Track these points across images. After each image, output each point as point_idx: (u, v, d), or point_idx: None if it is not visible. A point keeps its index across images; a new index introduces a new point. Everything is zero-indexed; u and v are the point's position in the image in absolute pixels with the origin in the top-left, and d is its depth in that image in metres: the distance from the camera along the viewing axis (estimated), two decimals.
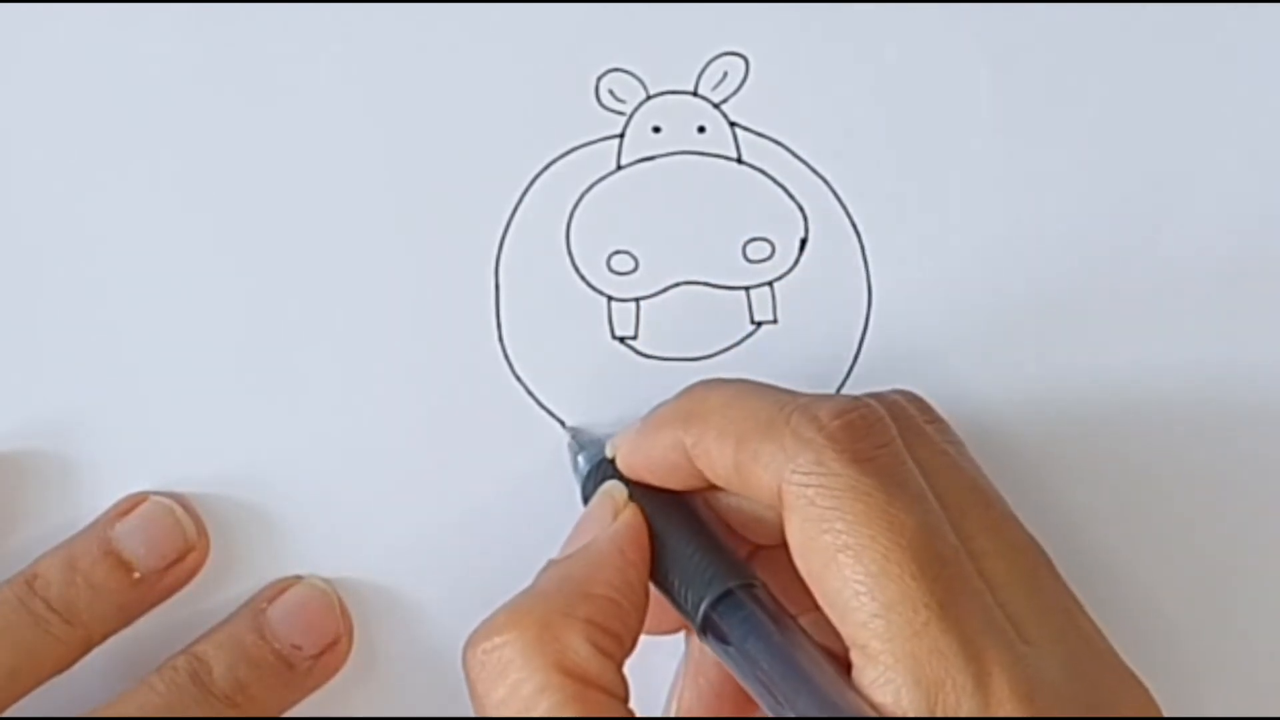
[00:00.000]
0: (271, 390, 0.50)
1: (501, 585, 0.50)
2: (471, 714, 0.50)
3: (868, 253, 0.50)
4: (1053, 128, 0.50)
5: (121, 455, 0.50)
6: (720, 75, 0.50)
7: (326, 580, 0.50)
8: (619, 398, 0.50)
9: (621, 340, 0.50)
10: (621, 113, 0.50)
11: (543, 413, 0.50)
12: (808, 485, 0.43)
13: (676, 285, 0.50)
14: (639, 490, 0.47)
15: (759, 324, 0.50)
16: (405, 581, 0.50)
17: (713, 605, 0.44)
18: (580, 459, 0.49)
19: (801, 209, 0.50)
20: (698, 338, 0.50)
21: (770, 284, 0.50)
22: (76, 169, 0.49)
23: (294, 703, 0.49)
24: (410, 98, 0.49)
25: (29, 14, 0.49)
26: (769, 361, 0.50)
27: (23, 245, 0.49)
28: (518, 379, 0.50)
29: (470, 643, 0.44)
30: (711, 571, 0.45)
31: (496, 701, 0.43)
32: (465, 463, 0.50)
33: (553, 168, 0.50)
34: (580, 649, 0.43)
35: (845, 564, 0.42)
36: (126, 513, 0.49)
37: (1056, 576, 0.45)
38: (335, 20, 0.49)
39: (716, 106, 0.50)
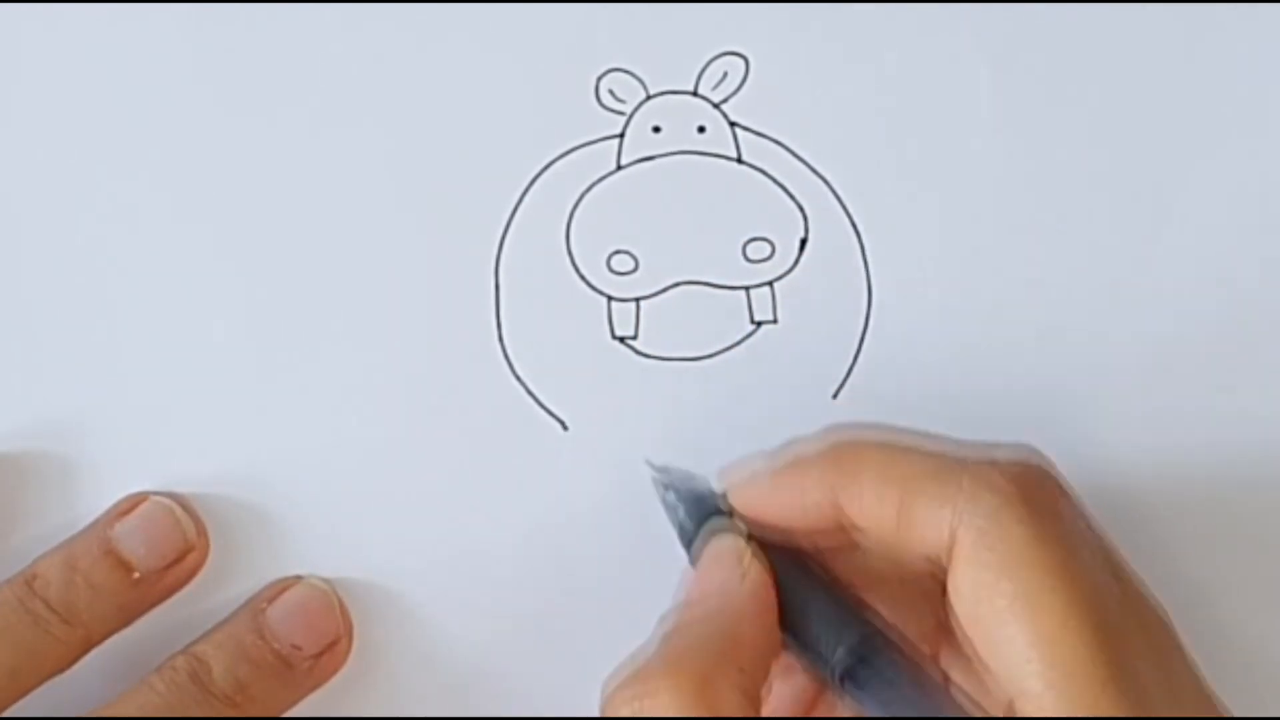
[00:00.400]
0: (272, 390, 0.50)
1: (501, 585, 0.50)
2: (469, 715, 0.51)
3: (868, 253, 0.50)
4: (1053, 128, 0.50)
5: (121, 455, 0.50)
6: (720, 75, 0.50)
7: (326, 580, 0.50)
8: (619, 397, 0.50)
9: (621, 340, 0.50)
10: (621, 113, 0.50)
11: (543, 413, 0.50)
12: (987, 531, 0.42)
13: (676, 285, 0.50)
14: (756, 535, 0.46)
15: (759, 324, 0.50)
16: (405, 581, 0.50)
17: (852, 657, 0.44)
18: (671, 496, 0.48)
19: (801, 209, 0.50)
20: (698, 338, 0.50)
21: (770, 284, 0.50)
22: (77, 169, 0.49)
23: (294, 703, 0.49)
24: (410, 98, 0.49)
25: (29, 14, 0.49)
26: (769, 361, 0.50)
27: (23, 245, 0.50)
28: (518, 379, 0.50)
29: (621, 688, 0.43)
30: (842, 623, 0.45)
31: None
32: (465, 462, 0.50)
33: (553, 168, 0.50)
34: (734, 699, 0.43)
35: (1022, 614, 0.42)
36: (126, 512, 0.49)
37: (1185, 657, 0.45)
38: (336, 21, 0.49)
39: (716, 106, 0.50)
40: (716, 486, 0.47)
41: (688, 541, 0.47)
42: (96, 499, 0.50)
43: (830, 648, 0.44)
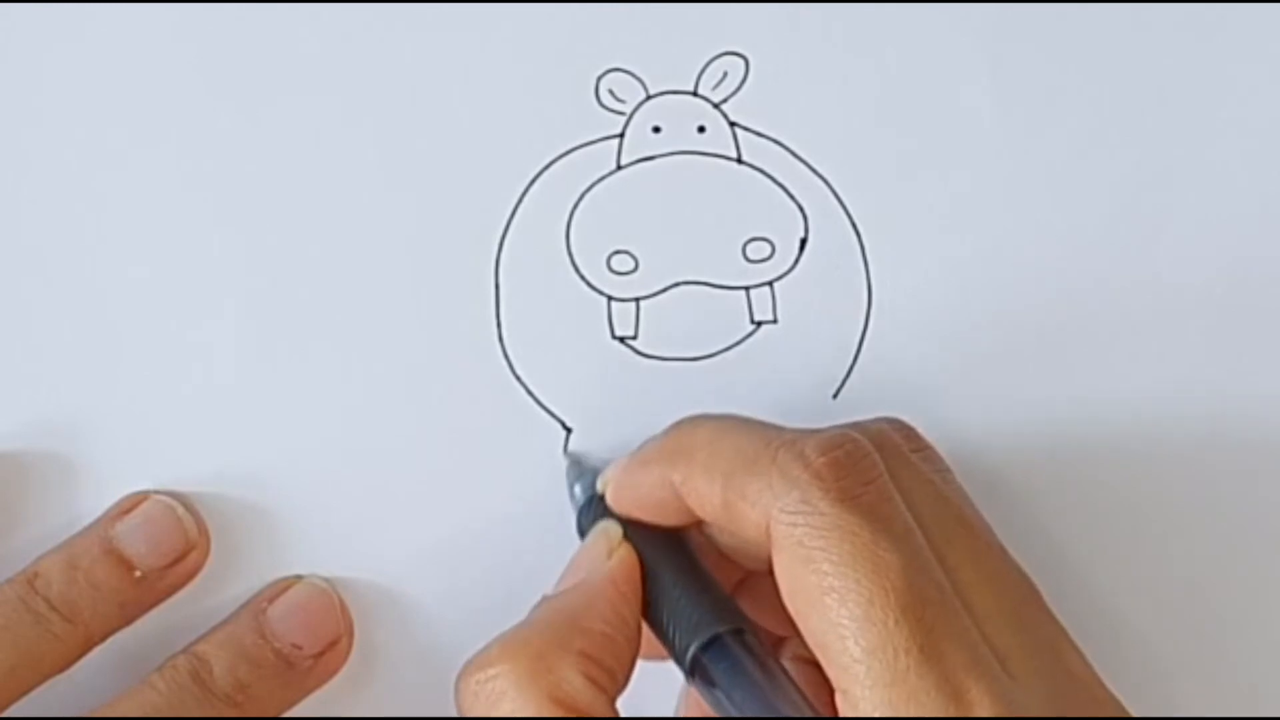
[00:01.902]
0: (272, 390, 0.50)
1: (501, 585, 0.50)
2: None
3: (868, 253, 0.50)
4: (1053, 128, 0.50)
5: (121, 455, 0.50)
6: (720, 75, 0.50)
7: (327, 580, 0.50)
8: (619, 398, 0.50)
9: (621, 340, 0.50)
10: (621, 113, 0.50)
11: (543, 413, 0.50)
12: (795, 524, 0.42)
13: (676, 285, 0.50)
14: (632, 527, 0.47)
15: (759, 324, 0.50)
16: (405, 581, 0.50)
17: (701, 650, 0.44)
18: (577, 489, 0.49)
19: (801, 209, 0.50)
20: (698, 337, 0.50)
21: (770, 284, 0.50)
22: (77, 169, 0.49)
23: (294, 702, 0.49)
24: (410, 98, 0.49)
25: (28, 14, 0.49)
26: (769, 361, 0.50)
27: (23, 245, 0.49)
28: (518, 379, 0.50)
29: (463, 673, 0.44)
30: (699, 615, 0.45)
31: None
32: (465, 462, 0.50)
33: (553, 168, 0.50)
34: (574, 680, 0.43)
35: (830, 606, 0.42)
36: (127, 512, 0.49)
37: (1043, 608, 0.45)
38: (336, 21, 0.49)
39: (716, 106, 0.50)
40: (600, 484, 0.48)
41: (579, 525, 0.49)
42: (97, 498, 0.50)
43: (685, 640, 0.45)
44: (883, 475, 0.44)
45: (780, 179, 0.50)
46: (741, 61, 0.50)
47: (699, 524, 0.47)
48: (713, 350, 0.50)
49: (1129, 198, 0.50)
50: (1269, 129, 0.50)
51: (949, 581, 0.43)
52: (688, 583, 0.46)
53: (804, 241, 0.50)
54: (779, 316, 0.50)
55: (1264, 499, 0.51)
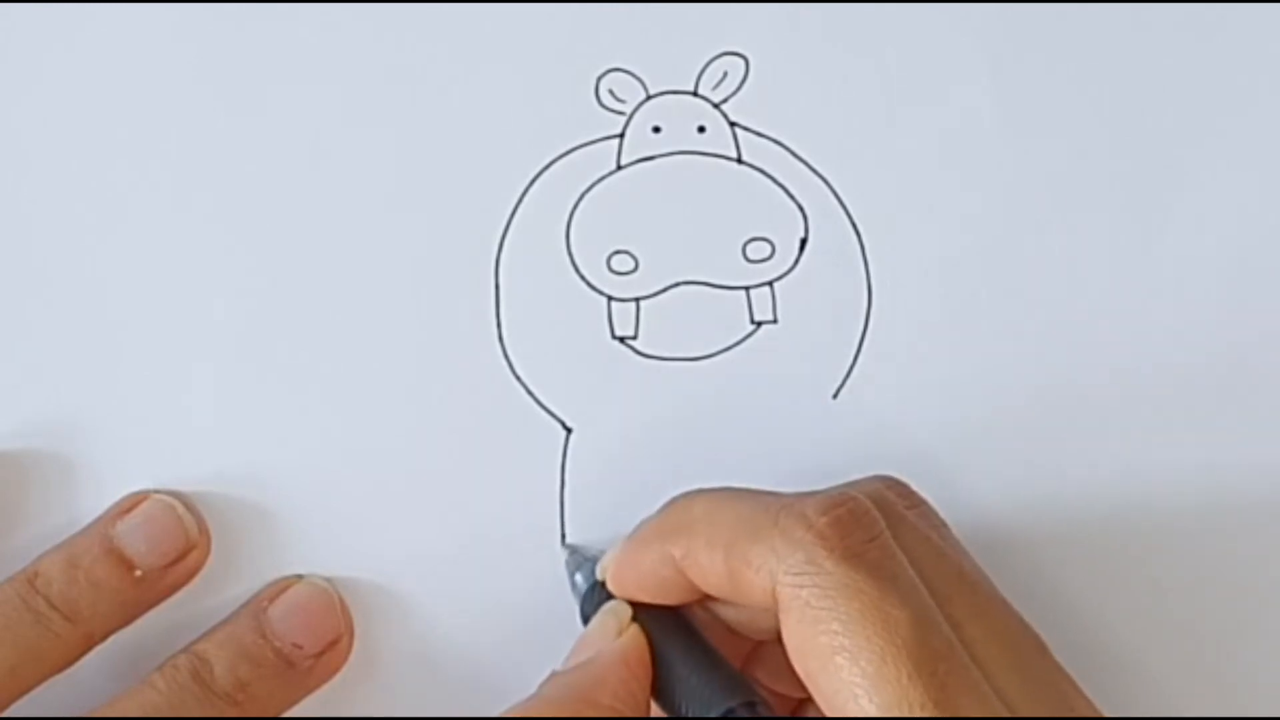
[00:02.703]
0: (272, 390, 0.50)
1: (501, 585, 0.50)
2: (471, 714, 0.51)
3: (868, 253, 0.50)
4: (1053, 128, 0.50)
5: (122, 455, 0.50)
6: (720, 75, 0.50)
7: (327, 580, 0.50)
8: (619, 398, 0.50)
9: (621, 340, 0.50)
10: (621, 113, 0.50)
11: (543, 413, 0.50)
12: (801, 585, 0.42)
13: (676, 285, 0.50)
14: (639, 611, 0.47)
15: (759, 324, 0.50)
16: (405, 581, 0.50)
17: None
18: (578, 577, 0.49)
19: (801, 209, 0.50)
20: (698, 337, 0.50)
21: (770, 284, 0.50)
22: (77, 169, 0.49)
23: (295, 702, 0.49)
24: (410, 98, 0.49)
25: (28, 14, 0.49)
26: (769, 361, 0.50)
27: (23, 245, 0.49)
28: (518, 379, 0.50)
29: None
30: (711, 691, 0.45)
31: None
32: (465, 462, 0.50)
33: (553, 168, 0.50)
34: None
35: (842, 665, 0.42)
36: (128, 511, 0.49)
37: (1048, 657, 0.45)
38: (336, 21, 0.49)
39: (716, 106, 0.50)
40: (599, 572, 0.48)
41: (582, 611, 0.49)
42: (97, 498, 0.50)
43: (689, 711, 0.45)
44: (885, 532, 0.44)
45: (780, 179, 0.50)
46: (741, 61, 0.50)
47: (702, 600, 0.47)
48: (713, 350, 0.50)
49: (1128, 197, 0.50)
50: (1269, 129, 0.50)
51: (955, 636, 0.43)
52: (697, 659, 0.46)
53: (804, 241, 0.50)
54: (779, 316, 0.50)
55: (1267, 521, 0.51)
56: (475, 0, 0.49)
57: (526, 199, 0.50)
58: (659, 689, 0.46)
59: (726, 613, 0.47)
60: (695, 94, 0.50)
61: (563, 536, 0.50)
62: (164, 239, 0.50)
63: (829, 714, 0.42)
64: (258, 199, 0.50)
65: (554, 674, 0.46)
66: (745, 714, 0.44)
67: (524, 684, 0.50)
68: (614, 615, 0.47)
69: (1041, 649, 0.45)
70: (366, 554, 0.50)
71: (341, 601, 0.50)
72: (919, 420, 0.50)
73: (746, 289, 0.50)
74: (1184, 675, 0.50)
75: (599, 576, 0.48)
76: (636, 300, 0.50)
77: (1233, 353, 0.51)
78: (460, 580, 0.50)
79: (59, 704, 0.49)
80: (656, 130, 0.50)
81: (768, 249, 0.50)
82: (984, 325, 0.50)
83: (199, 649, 0.49)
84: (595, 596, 0.48)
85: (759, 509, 0.44)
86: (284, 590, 0.50)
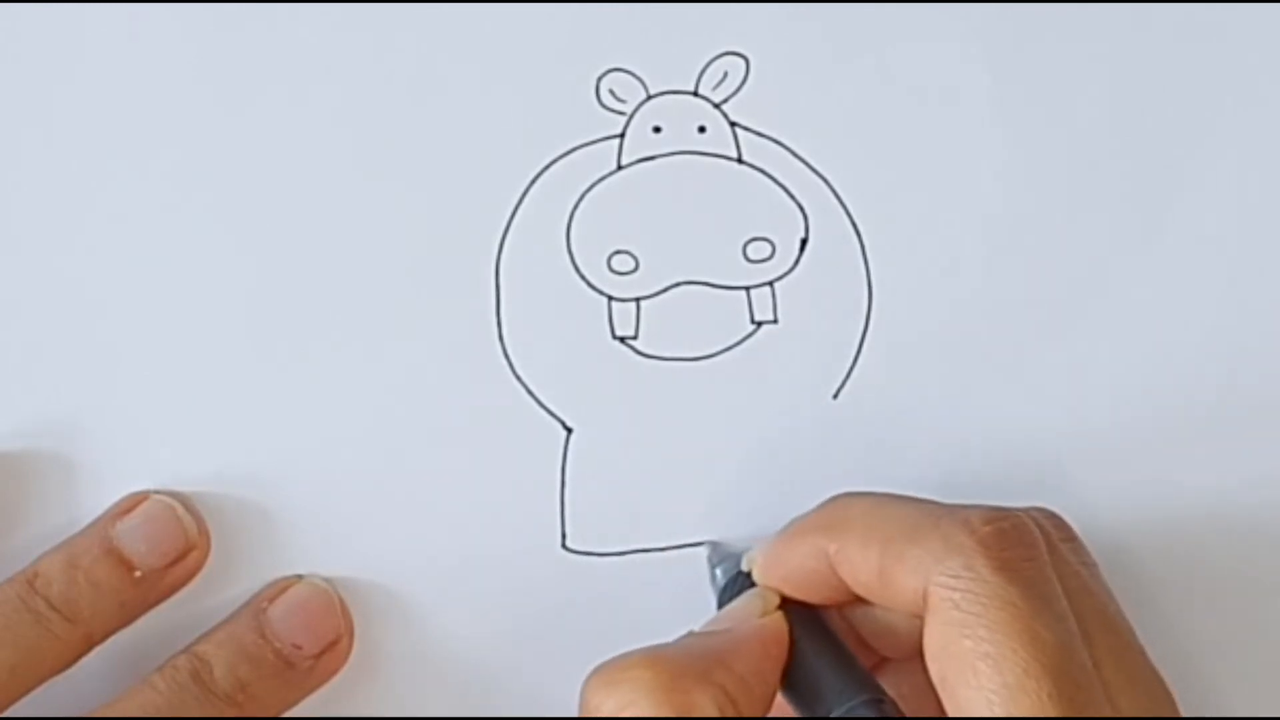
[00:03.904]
0: (272, 390, 0.50)
1: (501, 585, 0.50)
2: (470, 714, 0.51)
3: (868, 253, 0.50)
4: (1053, 128, 0.50)
5: (121, 455, 0.50)
6: (720, 75, 0.50)
7: (327, 580, 0.50)
8: (619, 397, 0.50)
9: (622, 340, 0.50)
10: (622, 113, 0.50)
11: (543, 413, 0.50)
12: (954, 589, 0.43)
13: (677, 285, 0.50)
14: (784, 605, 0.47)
15: (759, 324, 0.50)
16: (405, 581, 0.50)
17: (841, 717, 0.44)
18: (718, 572, 0.49)
19: (802, 209, 0.50)
20: (698, 337, 0.50)
21: (771, 284, 0.50)
22: (77, 169, 0.49)
23: (295, 702, 0.49)
24: (410, 98, 0.49)
25: (28, 14, 0.49)
26: (769, 361, 0.50)
27: (23, 245, 0.49)
28: (518, 379, 0.50)
29: (598, 671, 0.44)
30: (842, 683, 0.45)
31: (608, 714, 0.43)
32: (465, 462, 0.50)
33: (553, 168, 0.50)
34: (707, 709, 0.43)
35: (983, 672, 0.42)
36: (128, 511, 0.49)
37: (1176, 710, 0.45)
38: (336, 20, 0.49)
39: (717, 106, 0.50)
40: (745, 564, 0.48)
41: (719, 603, 0.49)
42: (97, 498, 0.50)
43: (828, 706, 0.45)
44: (1044, 553, 0.44)
45: (780, 179, 0.50)
46: (742, 61, 0.50)
47: (839, 607, 0.47)
48: (713, 350, 0.50)
49: (1129, 197, 0.50)
50: (1269, 129, 0.50)
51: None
52: (832, 653, 0.46)
53: (804, 241, 0.50)
54: (779, 316, 0.50)
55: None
56: (475, 0, 0.49)
57: (527, 199, 0.50)
58: (789, 679, 0.46)
59: (861, 620, 0.47)
60: (696, 94, 0.50)
61: (563, 536, 0.50)
62: (164, 239, 0.49)
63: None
64: (257, 199, 0.50)
65: (692, 632, 0.46)
66: (873, 711, 0.44)
67: (524, 684, 0.51)
68: (760, 598, 0.47)
69: (1173, 707, 0.45)
70: (366, 554, 0.50)
71: (341, 601, 0.50)
72: (919, 420, 0.50)
73: (747, 289, 0.50)
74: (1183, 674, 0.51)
75: (745, 567, 0.48)
76: (637, 300, 0.50)
77: (1233, 355, 0.51)
78: (460, 580, 0.50)
79: (59, 704, 0.49)
80: (657, 130, 0.50)
81: (768, 249, 0.50)
82: (984, 325, 0.50)
83: (199, 649, 0.49)
84: (735, 589, 0.48)
85: (920, 512, 0.44)
86: (284, 590, 0.50)
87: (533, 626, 0.51)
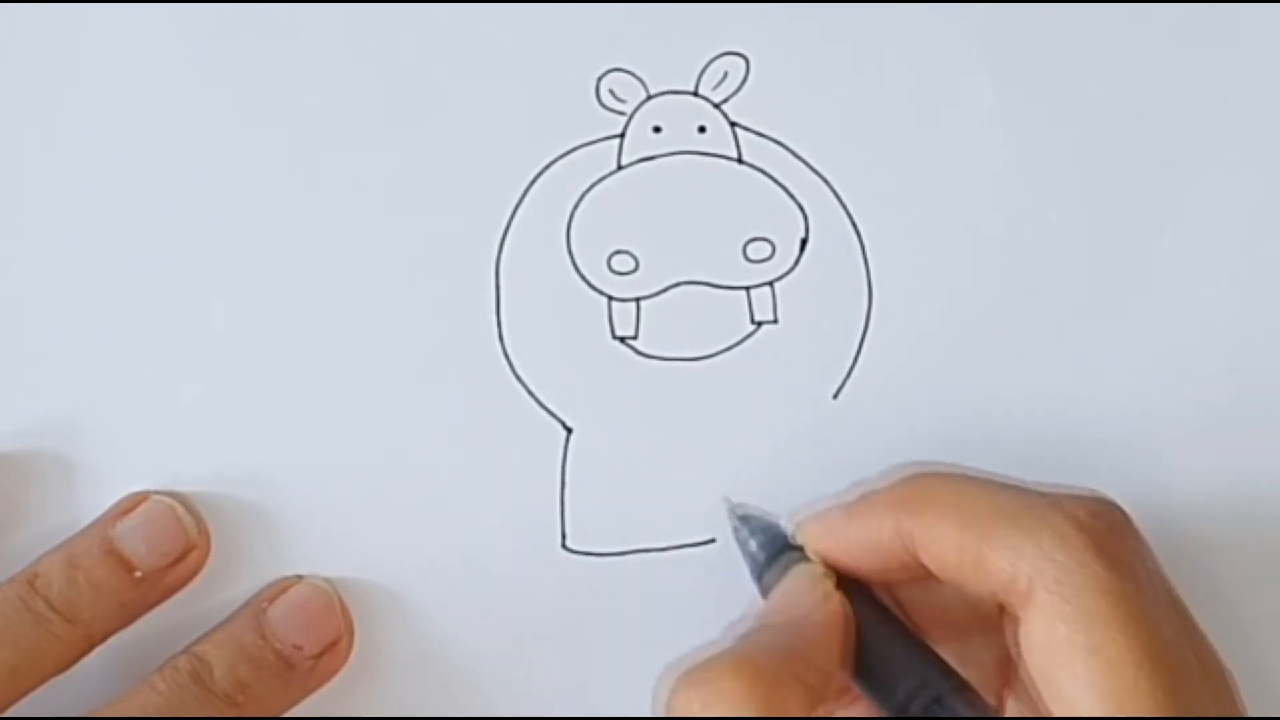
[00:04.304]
0: (272, 390, 0.50)
1: (501, 584, 0.50)
2: (470, 714, 0.51)
3: (868, 253, 0.50)
4: (1053, 127, 0.50)
5: (121, 455, 0.50)
6: (721, 75, 0.50)
7: (327, 580, 0.50)
8: (619, 397, 0.50)
9: (622, 340, 0.50)
10: (622, 113, 0.50)
11: (543, 413, 0.50)
12: (1062, 580, 0.42)
13: (677, 285, 0.50)
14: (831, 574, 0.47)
15: (759, 324, 0.50)
16: (405, 581, 0.50)
17: (927, 705, 0.44)
18: (753, 544, 0.48)
19: (802, 209, 0.50)
20: (698, 337, 0.50)
21: (771, 284, 0.50)
22: (77, 169, 0.49)
23: (295, 702, 0.49)
24: (411, 98, 0.49)
25: (28, 14, 0.49)
26: (769, 361, 0.50)
27: (23, 245, 0.49)
28: (518, 379, 0.50)
29: (687, 679, 0.43)
30: (919, 667, 0.45)
31: None
32: (466, 462, 0.50)
33: (553, 168, 0.50)
34: (796, 709, 0.42)
35: (1095, 667, 0.42)
36: (128, 511, 0.49)
37: (1241, 705, 0.45)
38: (335, 20, 0.49)
39: (717, 106, 0.50)
40: (787, 526, 0.47)
41: (759, 574, 0.48)
42: (97, 499, 0.50)
43: (899, 689, 0.44)
44: (1145, 548, 0.44)
45: (780, 179, 0.50)
46: (742, 61, 0.50)
47: (890, 585, 0.47)
48: (713, 350, 0.50)
49: (1129, 197, 0.50)
50: (1270, 129, 0.50)
51: None
52: (901, 634, 0.46)
53: (804, 241, 0.50)
54: (779, 316, 0.50)
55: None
56: (475, 0, 0.49)
57: (527, 199, 0.50)
58: (857, 662, 0.45)
59: (911, 599, 0.47)
60: (696, 94, 0.50)
61: (563, 536, 0.50)
62: (164, 239, 0.49)
63: (1060, 712, 0.42)
64: (258, 200, 0.50)
65: (762, 622, 0.45)
66: (957, 698, 0.44)
67: (524, 684, 0.51)
68: (816, 578, 0.46)
69: (1237, 694, 0.45)
70: (366, 554, 0.50)
71: (341, 602, 0.50)
72: (919, 420, 0.50)
73: (747, 289, 0.50)
74: None
75: (797, 540, 0.47)
76: (637, 300, 0.50)
77: (1233, 353, 0.51)
78: (460, 580, 0.50)
79: (59, 704, 0.48)
80: (657, 130, 0.50)
81: (768, 249, 0.50)
82: (984, 325, 0.50)
83: (199, 650, 0.49)
84: (782, 561, 0.47)
85: (1018, 499, 0.44)
86: (284, 590, 0.50)
87: (532, 626, 0.51)
